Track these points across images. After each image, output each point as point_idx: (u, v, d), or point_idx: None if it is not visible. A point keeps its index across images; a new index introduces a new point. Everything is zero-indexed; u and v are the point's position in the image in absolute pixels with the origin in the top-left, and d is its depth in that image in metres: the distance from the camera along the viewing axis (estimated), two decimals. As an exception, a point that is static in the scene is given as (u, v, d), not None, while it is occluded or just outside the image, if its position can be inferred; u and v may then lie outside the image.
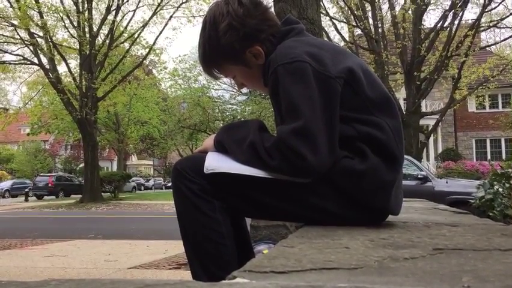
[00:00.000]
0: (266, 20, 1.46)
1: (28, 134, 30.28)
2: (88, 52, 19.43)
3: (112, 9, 19.75)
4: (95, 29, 19.97)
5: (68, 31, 20.31)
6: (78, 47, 19.98)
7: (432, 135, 19.68)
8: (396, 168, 1.35)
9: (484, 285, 0.64)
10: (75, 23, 19.52)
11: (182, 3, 20.11)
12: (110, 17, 19.96)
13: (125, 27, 20.84)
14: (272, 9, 1.99)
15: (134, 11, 20.52)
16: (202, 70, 1.59)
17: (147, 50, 21.22)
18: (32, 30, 18.77)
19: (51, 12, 19.28)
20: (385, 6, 18.31)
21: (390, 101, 1.41)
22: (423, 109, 18.18)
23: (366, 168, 1.28)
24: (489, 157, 23.24)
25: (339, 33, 17.99)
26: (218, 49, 1.45)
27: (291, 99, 1.27)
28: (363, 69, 1.40)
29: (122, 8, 20.17)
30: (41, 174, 31.84)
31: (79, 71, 20.43)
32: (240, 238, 1.45)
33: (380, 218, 1.39)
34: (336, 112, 1.29)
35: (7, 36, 19.82)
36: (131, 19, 20.83)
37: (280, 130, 1.26)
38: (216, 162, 1.34)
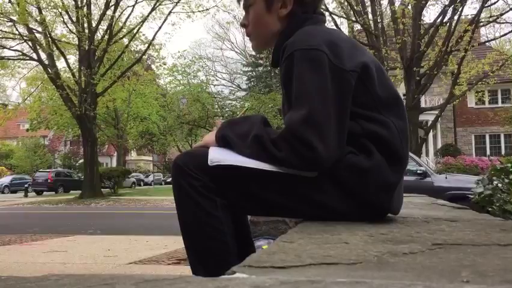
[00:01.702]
0: None
1: (27, 130, 30.29)
2: (87, 47, 19.38)
3: (110, 4, 19.68)
4: (94, 25, 19.91)
5: (67, 26, 20.28)
6: (77, 42, 19.92)
7: (431, 130, 19.66)
8: (400, 169, 1.34)
9: (483, 280, 0.64)
10: (74, 19, 19.45)
11: (181, -2, 20.07)
12: (109, 12, 19.89)
13: (124, 23, 20.80)
14: None
15: (133, 6, 20.44)
16: None
17: (146, 45, 21.18)
18: (30, 25, 18.72)
19: (50, 7, 19.23)
20: (385, 2, 18.25)
21: (399, 102, 1.40)
22: (422, 104, 18.16)
23: (371, 166, 1.27)
24: (488, 152, 23.27)
25: (339, 28, 17.93)
26: None
27: (303, 86, 1.24)
28: (377, 67, 1.39)
29: (121, 3, 20.11)
30: (41, 170, 31.91)
31: (78, 66, 20.40)
32: (241, 234, 1.44)
33: (380, 216, 1.37)
34: (347, 106, 1.27)
35: (6, 32, 19.76)
36: (130, 14, 20.79)
37: (288, 119, 1.24)
38: (221, 156, 1.31)
